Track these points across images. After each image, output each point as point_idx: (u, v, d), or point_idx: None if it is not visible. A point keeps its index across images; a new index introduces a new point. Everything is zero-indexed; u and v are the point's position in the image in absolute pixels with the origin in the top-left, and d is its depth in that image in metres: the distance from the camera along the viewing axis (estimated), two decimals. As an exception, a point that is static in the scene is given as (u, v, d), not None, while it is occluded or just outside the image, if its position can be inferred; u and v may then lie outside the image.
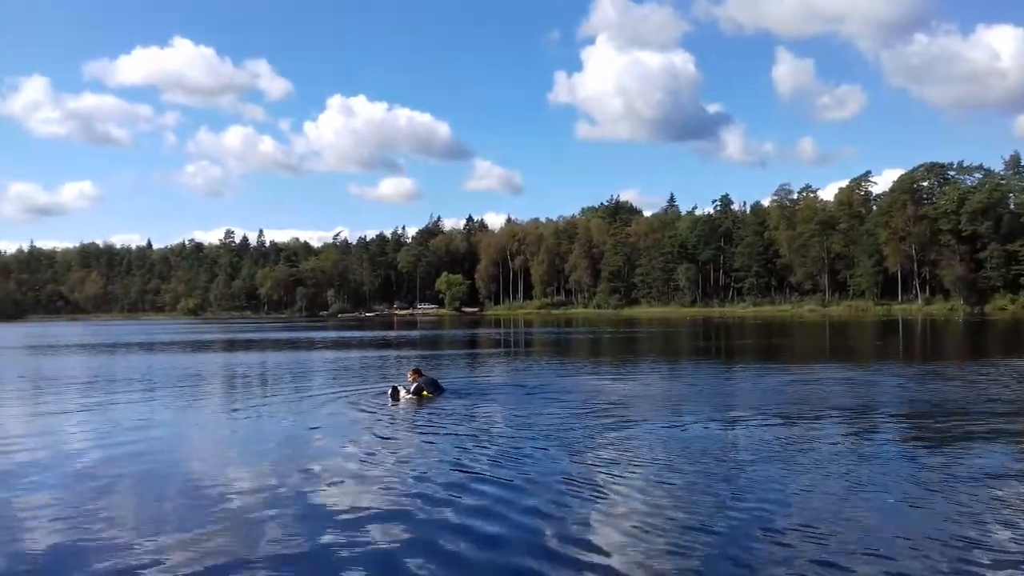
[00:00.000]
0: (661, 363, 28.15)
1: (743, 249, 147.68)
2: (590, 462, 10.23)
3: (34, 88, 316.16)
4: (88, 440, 12.79)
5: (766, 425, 13.13)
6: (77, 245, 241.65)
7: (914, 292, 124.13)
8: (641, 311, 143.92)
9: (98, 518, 7.96)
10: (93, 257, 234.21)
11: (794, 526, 7.35)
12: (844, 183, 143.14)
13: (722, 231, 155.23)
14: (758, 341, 45.42)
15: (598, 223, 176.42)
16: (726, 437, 12.10)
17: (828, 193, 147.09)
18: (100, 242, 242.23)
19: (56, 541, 7.27)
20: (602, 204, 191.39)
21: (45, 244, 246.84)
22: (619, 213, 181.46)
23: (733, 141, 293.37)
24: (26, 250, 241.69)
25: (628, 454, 10.71)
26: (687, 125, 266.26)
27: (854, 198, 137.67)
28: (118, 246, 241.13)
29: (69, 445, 12.39)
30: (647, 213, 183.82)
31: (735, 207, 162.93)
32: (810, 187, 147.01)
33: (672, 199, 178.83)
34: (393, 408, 15.98)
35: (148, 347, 46.21)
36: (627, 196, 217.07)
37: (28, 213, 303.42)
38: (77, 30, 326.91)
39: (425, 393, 16.94)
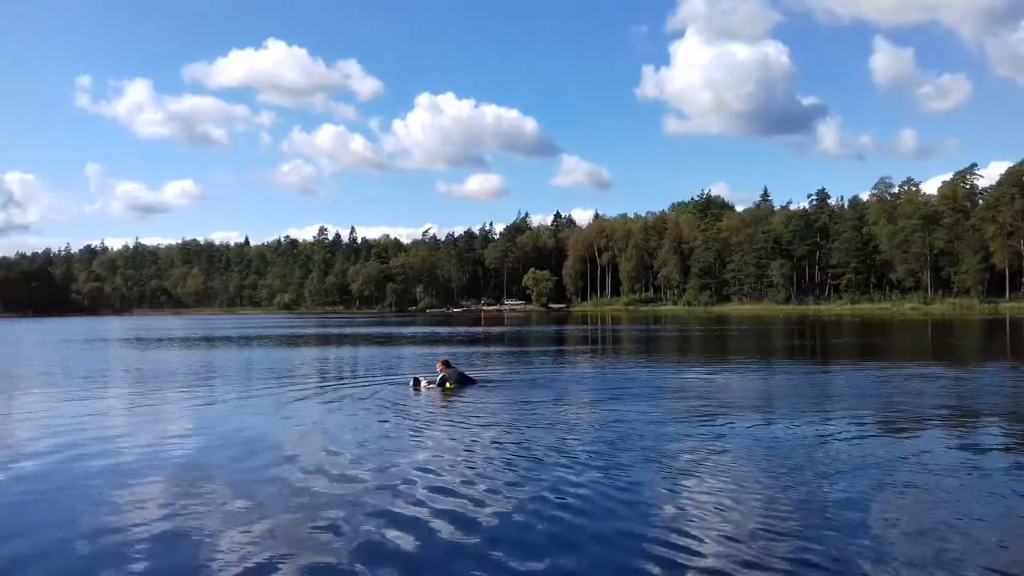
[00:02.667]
0: (752, 362, 27.23)
1: (840, 245, 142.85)
2: (671, 464, 9.78)
3: (138, 91, 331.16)
4: (189, 431, 13.05)
5: (862, 426, 12.40)
6: (179, 242, 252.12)
7: (1023, 290, 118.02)
8: (732, 308, 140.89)
9: (196, 508, 7.98)
10: (194, 254, 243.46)
11: (896, 546, 6.76)
12: (948, 176, 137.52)
13: (818, 226, 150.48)
14: (856, 340, 43.65)
15: (688, 218, 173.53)
16: (818, 440, 11.43)
17: (931, 187, 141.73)
18: (201, 239, 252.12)
19: (159, 530, 7.29)
20: (692, 199, 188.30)
21: (149, 241, 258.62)
22: (710, 208, 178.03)
23: (829, 134, 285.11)
24: (132, 247, 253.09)
25: (712, 457, 10.20)
26: (780, 118, 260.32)
27: (959, 192, 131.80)
28: (217, 243, 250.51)
29: (171, 436, 12.57)
30: (739, 208, 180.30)
31: (832, 201, 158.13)
32: (912, 180, 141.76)
33: (766, 193, 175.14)
34: (419, 397, 16.50)
35: (246, 340, 47.49)
36: (717, 191, 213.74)
37: (133, 211, 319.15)
38: (177, 34, 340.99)
39: (448, 385, 17.27)
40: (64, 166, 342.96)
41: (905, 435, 12.10)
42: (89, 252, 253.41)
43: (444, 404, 15.76)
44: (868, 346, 37.98)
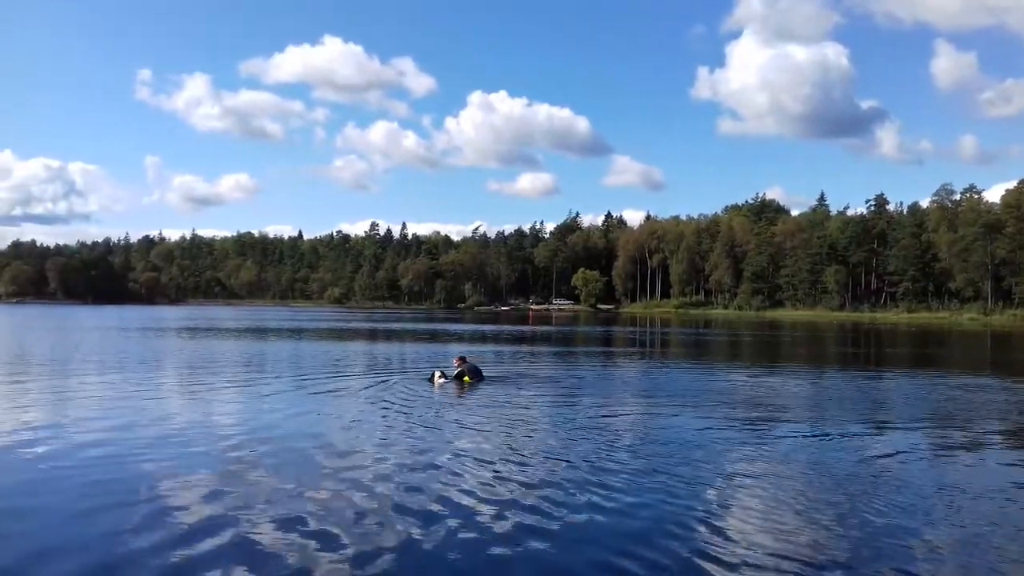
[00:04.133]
0: (805, 369, 26.66)
1: (898, 252, 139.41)
2: (716, 472, 9.55)
3: (195, 85, 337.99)
4: (237, 420, 13.24)
5: (914, 438, 12.00)
6: (234, 234, 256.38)
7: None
8: (784, 314, 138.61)
9: (241, 494, 8.07)
10: (248, 246, 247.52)
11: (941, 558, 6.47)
12: (1012, 184, 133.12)
13: (876, 232, 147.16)
14: (912, 349, 42.53)
15: (741, 221, 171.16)
16: (869, 453, 11.08)
17: (994, 194, 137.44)
18: (255, 232, 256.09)
19: (207, 515, 7.39)
20: (746, 202, 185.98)
21: (205, 232, 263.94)
22: (764, 212, 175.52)
23: (888, 138, 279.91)
24: (188, 238, 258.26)
25: (757, 464, 9.94)
26: (838, 121, 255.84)
27: (1023, 200, 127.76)
28: (271, 236, 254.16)
29: (221, 425, 12.79)
30: (794, 212, 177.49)
31: (890, 207, 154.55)
32: (974, 187, 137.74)
33: (822, 198, 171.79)
34: (437, 391, 17.21)
35: (296, 333, 48.05)
36: (772, 194, 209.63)
37: (190, 203, 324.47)
38: (234, 29, 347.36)
39: (466, 379, 18.33)
40: (124, 158, 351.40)
41: (962, 450, 11.70)
42: (147, 242, 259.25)
43: (485, 402, 15.69)
44: (924, 356, 36.95)
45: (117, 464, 9.67)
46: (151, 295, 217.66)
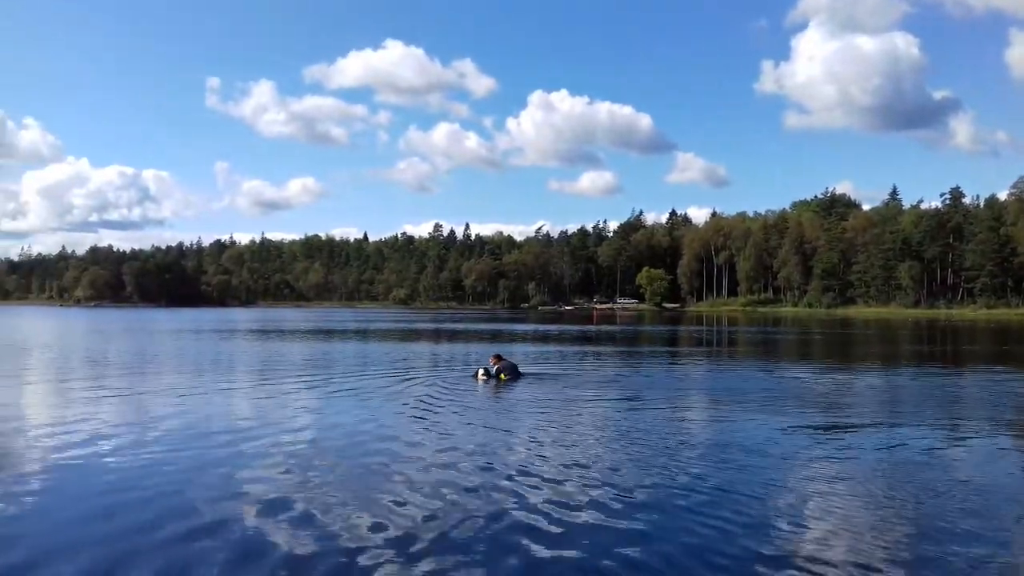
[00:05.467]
0: (878, 367, 25.80)
1: (975, 246, 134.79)
2: (787, 475, 9.19)
3: (262, 92, 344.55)
4: (307, 421, 13.28)
5: (995, 440, 11.39)
6: (302, 237, 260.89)
7: None
8: (856, 311, 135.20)
9: (307, 493, 8.08)
10: (315, 248, 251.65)
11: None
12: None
13: (951, 226, 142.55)
14: (991, 347, 40.92)
15: (811, 217, 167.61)
16: (947, 456, 10.57)
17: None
18: (322, 234, 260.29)
19: (272, 508, 7.42)
20: (815, 197, 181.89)
21: (274, 236, 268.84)
22: (834, 207, 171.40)
23: (962, 129, 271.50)
24: (258, 241, 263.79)
25: (829, 467, 9.56)
26: (910, 113, 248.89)
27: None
28: (338, 238, 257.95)
29: (291, 425, 12.81)
30: (865, 207, 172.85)
31: (966, 200, 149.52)
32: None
33: (895, 192, 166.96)
34: (481, 388, 17.66)
35: (363, 334, 48.60)
36: (842, 189, 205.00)
37: (259, 207, 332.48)
38: (298, 36, 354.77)
39: (503, 376, 18.61)
40: (195, 164, 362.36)
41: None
42: (218, 246, 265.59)
43: (547, 403, 15.47)
44: (1005, 354, 35.46)
45: (184, 461, 9.81)
46: (222, 297, 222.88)
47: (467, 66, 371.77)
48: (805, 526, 7.26)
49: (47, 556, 6.39)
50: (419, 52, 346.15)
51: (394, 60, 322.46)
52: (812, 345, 42.34)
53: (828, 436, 11.91)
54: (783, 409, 14.66)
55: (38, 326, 62.79)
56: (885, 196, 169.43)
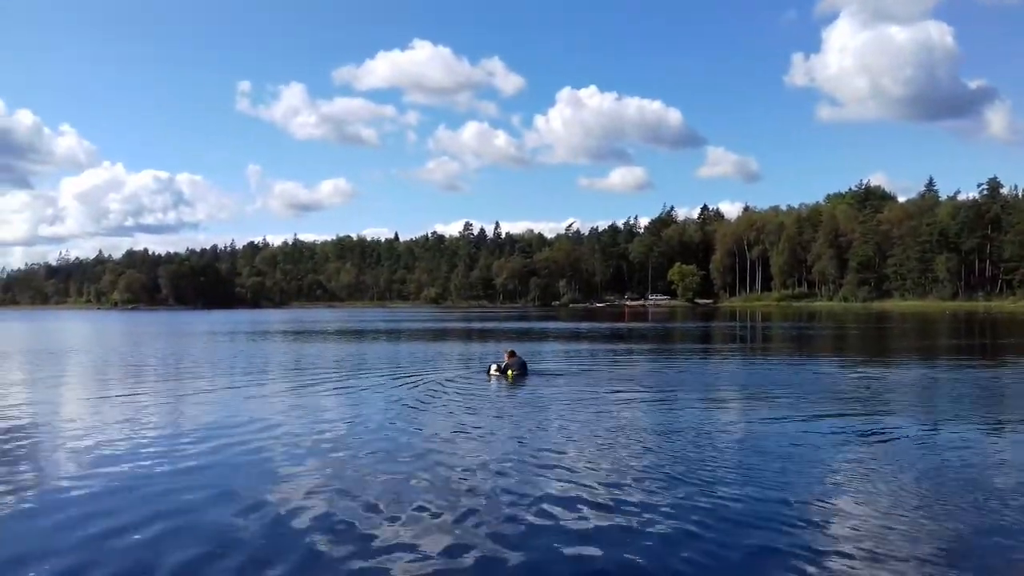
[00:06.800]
0: (917, 362, 25.32)
1: (1014, 237, 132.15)
2: (823, 474, 9.01)
3: (292, 95, 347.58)
4: (337, 419, 13.27)
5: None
6: (333, 238, 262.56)
7: None
8: (893, 304, 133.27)
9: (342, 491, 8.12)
10: (347, 249, 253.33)
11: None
12: None
13: (989, 217, 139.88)
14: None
15: (845, 209, 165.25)
16: (987, 455, 10.30)
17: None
18: (353, 235, 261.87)
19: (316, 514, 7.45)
20: (849, 190, 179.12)
21: (306, 237, 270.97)
22: (869, 199, 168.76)
23: (997, 119, 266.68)
24: (290, 243, 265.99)
25: (866, 465, 9.35)
26: (944, 102, 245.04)
27: None
28: (369, 238, 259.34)
29: (323, 424, 12.83)
30: (901, 199, 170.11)
31: (1004, 191, 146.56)
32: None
33: (931, 183, 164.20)
34: (494, 384, 17.99)
35: (395, 335, 48.76)
36: (876, 181, 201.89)
37: (291, 209, 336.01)
38: (327, 38, 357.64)
39: (510, 372, 18.85)
40: (228, 167, 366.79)
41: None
42: (252, 248, 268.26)
43: (574, 399, 15.35)
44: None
45: (221, 461, 9.91)
46: (256, 299, 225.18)
47: (495, 64, 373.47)
48: (840, 523, 7.09)
49: (102, 537, 6.74)
50: (447, 52, 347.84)
51: (422, 60, 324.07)
52: (848, 340, 41.73)
53: (865, 433, 11.67)
54: (818, 406, 14.43)
55: (78, 330, 63.81)
56: (921, 187, 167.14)
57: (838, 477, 8.85)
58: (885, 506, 7.66)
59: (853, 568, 6.02)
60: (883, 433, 11.67)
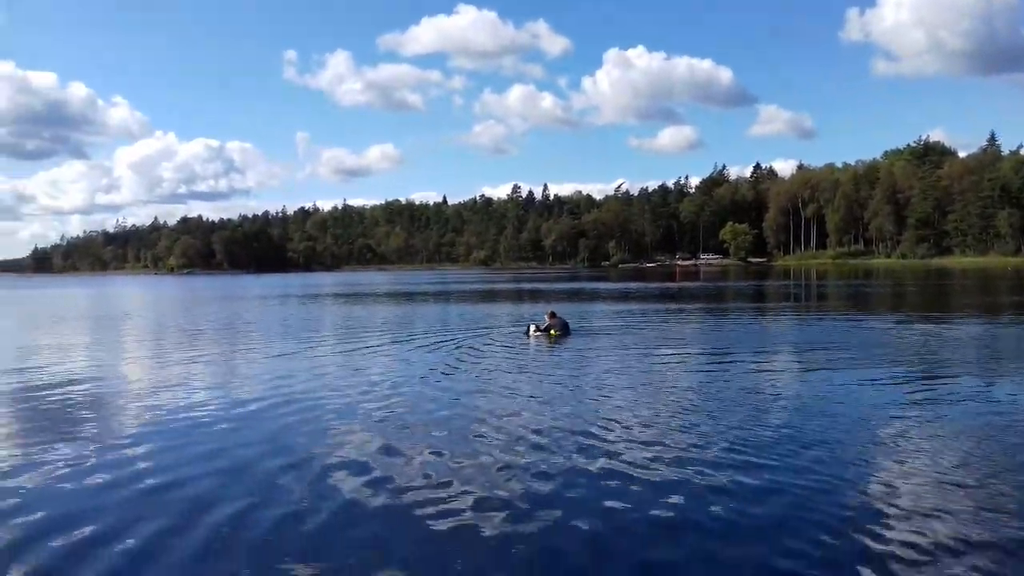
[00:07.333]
0: (978, 318, 24.61)
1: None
2: (880, 435, 8.79)
3: (338, 62, 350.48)
4: (382, 379, 13.44)
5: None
6: (382, 203, 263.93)
7: None
8: (953, 261, 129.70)
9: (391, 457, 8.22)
10: (396, 213, 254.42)
11: None
12: None
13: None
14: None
15: (903, 166, 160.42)
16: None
17: None
18: (402, 199, 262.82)
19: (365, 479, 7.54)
20: (908, 146, 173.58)
21: (355, 202, 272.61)
22: (928, 155, 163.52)
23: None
24: (340, 208, 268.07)
25: (925, 427, 9.09)
26: (1004, 55, 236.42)
27: None
28: (417, 203, 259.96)
29: (374, 386, 12.94)
30: (961, 154, 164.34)
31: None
32: None
33: (993, 138, 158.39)
34: (529, 342, 18.25)
35: (443, 296, 49.02)
36: (936, 136, 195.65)
37: (339, 175, 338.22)
38: (371, 5, 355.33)
39: (552, 332, 19.09)
40: (277, 135, 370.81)
41: None
42: (302, 213, 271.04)
43: (628, 360, 15.22)
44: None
45: (275, 421, 10.11)
46: (308, 263, 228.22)
47: (540, 27, 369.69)
48: (893, 487, 6.91)
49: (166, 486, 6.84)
50: (492, 15, 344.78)
51: (467, 25, 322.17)
52: (906, 297, 40.77)
53: (924, 391, 11.39)
54: (877, 363, 14.12)
55: (138, 295, 65.38)
56: (982, 142, 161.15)
57: (900, 441, 8.61)
58: (941, 481, 7.44)
59: (907, 529, 5.87)
60: (944, 392, 11.37)
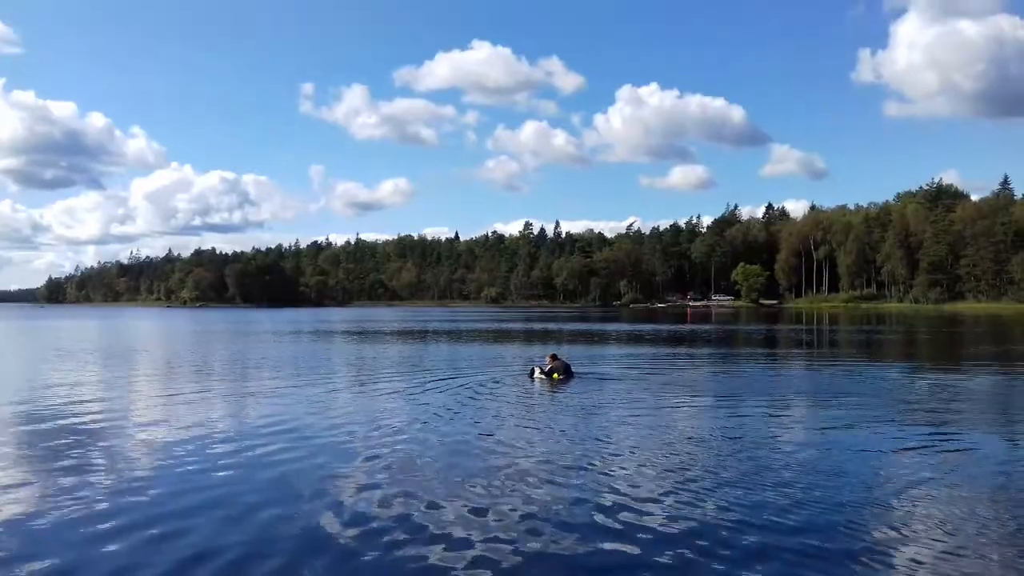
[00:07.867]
0: (991, 369, 24.37)
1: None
2: (889, 489, 8.65)
3: (354, 96, 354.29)
4: (391, 420, 13.34)
5: None
6: (394, 237, 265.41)
7: None
8: (966, 306, 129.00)
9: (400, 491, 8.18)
10: (408, 248, 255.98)
11: None
12: None
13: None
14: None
15: (915, 209, 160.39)
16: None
17: None
18: (414, 234, 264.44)
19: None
20: (920, 188, 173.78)
21: (368, 236, 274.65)
22: (940, 198, 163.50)
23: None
24: (352, 242, 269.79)
25: (937, 481, 8.95)
26: (1016, 97, 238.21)
27: None
28: (429, 238, 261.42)
29: (388, 424, 13.08)
30: (974, 197, 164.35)
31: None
32: None
33: (1006, 181, 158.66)
34: (533, 386, 18.23)
35: (455, 335, 48.99)
36: (948, 179, 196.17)
37: (353, 208, 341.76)
38: (387, 40, 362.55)
39: (555, 376, 18.97)
40: (291, 168, 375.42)
41: None
42: (315, 247, 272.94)
43: (636, 406, 15.14)
44: None
45: (285, 458, 10.08)
46: (320, 298, 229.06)
47: (554, 64, 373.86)
48: (906, 543, 6.80)
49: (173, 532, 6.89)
50: (506, 52, 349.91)
51: (481, 60, 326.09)
52: (918, 345, 40.44)
53: (936, 445, 11.23)
54: (887, 416, 13.96)
55: (150, 329, 65.61)
56: (995, 186, 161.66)
57: (912, 492, 8.49)
58: (955, 523, 7.34)
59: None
60: (958, 446, 11.22)
